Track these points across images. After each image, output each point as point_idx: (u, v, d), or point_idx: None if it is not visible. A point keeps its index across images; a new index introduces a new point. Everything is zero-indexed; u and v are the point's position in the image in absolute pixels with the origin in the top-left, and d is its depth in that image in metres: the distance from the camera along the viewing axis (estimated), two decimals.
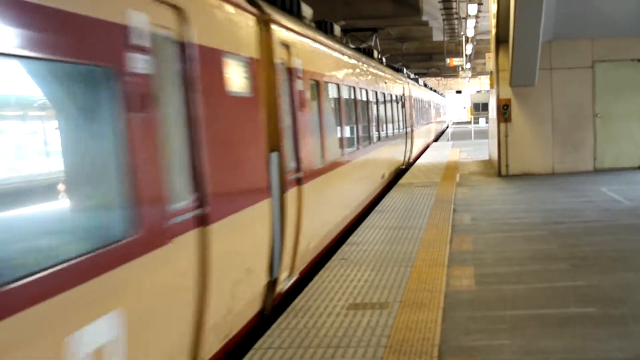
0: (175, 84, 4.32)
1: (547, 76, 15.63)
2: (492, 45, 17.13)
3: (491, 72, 17.83)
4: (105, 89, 3.51)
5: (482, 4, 22.98)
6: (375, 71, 14.59)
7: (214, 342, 4.84)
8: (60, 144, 3.36)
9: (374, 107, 13.98)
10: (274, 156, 6.25)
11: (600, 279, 6.80)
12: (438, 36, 33.23)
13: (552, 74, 15.70)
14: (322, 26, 11.26)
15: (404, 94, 20.57)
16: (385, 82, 16.29)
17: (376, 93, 14.35)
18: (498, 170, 16.19)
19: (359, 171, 11.51)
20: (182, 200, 4.26)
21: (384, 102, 15.72)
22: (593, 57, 15.75)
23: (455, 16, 26.79)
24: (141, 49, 3.80)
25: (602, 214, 10.42)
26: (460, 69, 41.69)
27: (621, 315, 5.65)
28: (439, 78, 70.95)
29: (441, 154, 24.20)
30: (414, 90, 25.08)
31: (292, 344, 5.09)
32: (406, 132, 20.21)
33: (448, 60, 37.20)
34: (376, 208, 11.49)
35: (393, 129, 17.05)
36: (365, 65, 13.09)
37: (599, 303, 6.01)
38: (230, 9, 5.43)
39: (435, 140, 38.71)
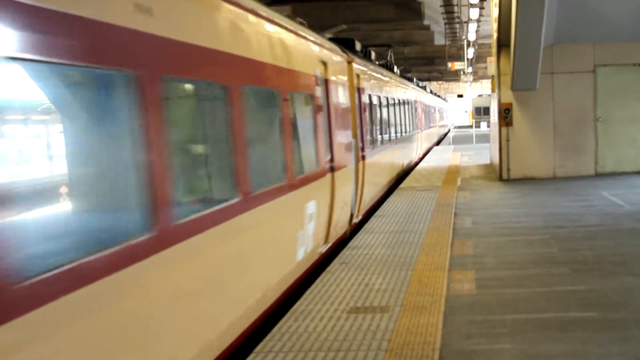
0: (324, 100, 8.70)
1: (549, 80, 15.64)
2: (494, 50, 17.14)
3: (493, 76, 17.83)
4: (311, 104, 8.01)
5: (483, 8, 22.97)
6: (398, 82, 19.16)
7: (332, 237, 8.94)
8: (300, 130, 7.55)
9: (398, 111, 18.05)
10: (354, 141, 10.79)
11: (601, 283, 6.80)
12: (440, 40, 33.19)
13: (553, 78, 15.71)
14: (363, 52, 15.01)
15: (416, 101, 24.49)
16: (404, 92, 20.64)
17: (399, 100, 18.57)
18: (499, 174, 16.18)
19: (390, 158, 15.74)
20: (327, 157, 8.68)
21: (404, 108, 19.83)
22: (594, 61, 15.75)
23: (456, 20, 26.76)
24: (317, 84, 8.24)
25: (603, 218, 10.42)
26: (461, 73, 41.60)
27: (622, 320, 5.65)
28: (441, 82, 70.97)
29: (442, 157, 24.22)
30: (422, 96, 29.05)
31: (293, 348, 5.09)
32: (417, 132, 24.01)
33: (450, 64, 37.09)
34: (376, 213, 11.50)
35: (409, 129, 21.18)
36: (393, 79, 17.71)
37: (599, 307, 6.01)
38: (339, 57, 10.05)
39: (437, 143, 38.72)
